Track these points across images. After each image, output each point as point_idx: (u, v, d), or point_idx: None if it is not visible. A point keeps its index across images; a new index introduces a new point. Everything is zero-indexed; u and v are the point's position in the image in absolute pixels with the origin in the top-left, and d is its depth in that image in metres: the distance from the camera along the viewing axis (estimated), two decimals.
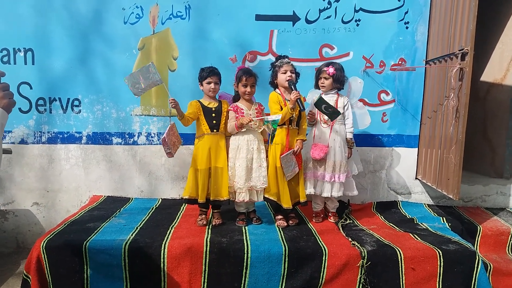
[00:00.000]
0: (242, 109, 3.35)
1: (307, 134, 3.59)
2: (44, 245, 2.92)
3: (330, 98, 3.51)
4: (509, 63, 4.40)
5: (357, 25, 4.07)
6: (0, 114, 1.68)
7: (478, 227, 3.68)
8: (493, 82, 4.64)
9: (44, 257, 2.90)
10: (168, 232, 3.20)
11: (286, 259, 2.93)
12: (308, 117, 3.49)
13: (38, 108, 4.11)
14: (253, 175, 3.33)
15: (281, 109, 3.30)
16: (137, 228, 3.28)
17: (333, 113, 3.36)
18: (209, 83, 3.32)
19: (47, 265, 2.90)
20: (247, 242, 3.03)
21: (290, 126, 3.38)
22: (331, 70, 3.42)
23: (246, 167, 3.30)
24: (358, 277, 2.94)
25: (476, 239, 3.64)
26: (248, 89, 3.33)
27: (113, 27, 4.02)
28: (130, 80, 3.03)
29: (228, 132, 3.41)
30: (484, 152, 4.79)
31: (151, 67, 3.03)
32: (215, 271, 2.94)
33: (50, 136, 4.15)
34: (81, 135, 4.16)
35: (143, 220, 3.50)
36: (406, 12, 4.09)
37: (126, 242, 2.97)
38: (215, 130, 3.35)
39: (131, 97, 4.05)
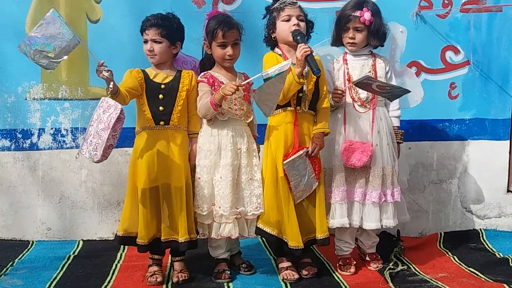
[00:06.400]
0: (222, 81, 2.76)
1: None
2: None
3: (363, 63, 2.80)
4: None
5: None
6: None
7: None
8: None
9: None
10: None
11: None
12: (333, 96, 2.80)
13: None
14: (242, 194, 2.71)
15: None
16: None
17: (401, 91, 2.67)
18: None
19: None
20: None
21: (298, 108, 2.66)
22: (367, 15, 2.70)
23: (232, 180, 2.64)
24: None
25: None
26: (229, 50, 2.71)
27: None
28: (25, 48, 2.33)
29: (195, 119, 2.69)
30: None
31: (56, 16, 2.35)
32: None
33: None
34: None
35: (54, 279, 2.73)
36: None
37: None
38: (162, 123, 2.61)
39: (24, 70, 3.15)
